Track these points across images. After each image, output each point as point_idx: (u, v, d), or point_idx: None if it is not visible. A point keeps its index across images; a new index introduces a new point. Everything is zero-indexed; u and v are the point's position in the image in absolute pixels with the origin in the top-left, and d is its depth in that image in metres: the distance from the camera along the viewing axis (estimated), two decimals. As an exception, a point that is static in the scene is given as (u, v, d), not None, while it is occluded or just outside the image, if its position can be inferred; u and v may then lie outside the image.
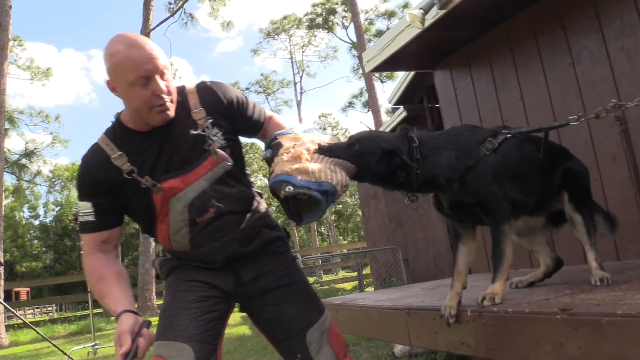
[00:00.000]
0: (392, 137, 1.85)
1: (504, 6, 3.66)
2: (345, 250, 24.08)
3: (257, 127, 1.91)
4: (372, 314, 2.76)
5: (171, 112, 1.68)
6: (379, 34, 30.69)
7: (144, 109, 1.62)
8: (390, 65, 4.57)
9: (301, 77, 41.58)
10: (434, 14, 3.53)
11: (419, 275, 8.85)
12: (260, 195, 1.95)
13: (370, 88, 21.72)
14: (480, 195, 1.87)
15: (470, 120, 4.35)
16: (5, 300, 9.22)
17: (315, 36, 39.05)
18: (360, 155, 1.74)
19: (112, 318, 12.41)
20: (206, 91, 1.79)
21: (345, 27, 34.27)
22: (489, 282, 1.94)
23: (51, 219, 45.31)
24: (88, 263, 1.73)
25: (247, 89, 44.80)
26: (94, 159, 1.70)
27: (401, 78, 9.43)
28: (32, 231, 45.59)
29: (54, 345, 6.13)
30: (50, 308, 27.77)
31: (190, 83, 1.84)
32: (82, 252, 1.81)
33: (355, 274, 13.97)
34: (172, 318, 1.71)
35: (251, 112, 1.87)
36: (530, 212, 2.17)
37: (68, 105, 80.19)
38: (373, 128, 17.33)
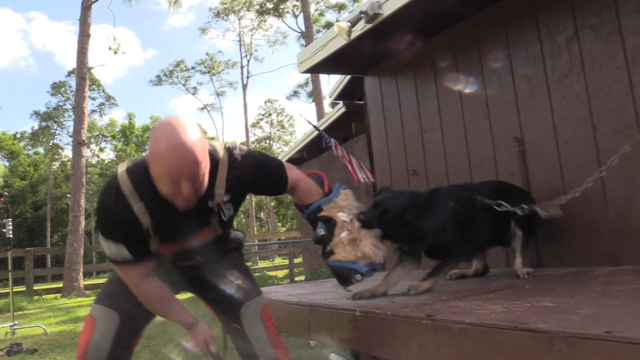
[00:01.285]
0: (404, 202, 2.44)
1: (427, 24, 3.91)
2: (283, 238, 24.30)
3: (280, 191, 2.11)
4: (280, 308, 2.95)
5: (193, 203, 1.76)
6: (328, 25, 30.86)
7: (169, 196, 1.72)
8: (322, 68, 4.75)
9: (249, 60, 41.21)
10: (362, 26, 3.72)
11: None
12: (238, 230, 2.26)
13: (315, 79, 21.91)
14: (441, 245, 2.54)
15: (392, 128, 4.60)
16: None
17: (265, 21, 38.75)
18: (385, 222, 2.26)
19: (36, 297, 12.00)
20: (235, 168, 1.91)
21: (296, 16, 34.19)
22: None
23: (-24, 189, 43.02)
24: (144, 291, 1.87)
25: (192, 68, 43.98)
26: (119, 210, 1.76)
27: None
28: (-47, 201, 43.13)
29: (-32, 325, 5.99)
30: (-31, 283, 26.48)
31: (222, 150, 1.91)
32: (133, 285, 1.88)
33: (291, 262, 14.27)
34: (116, 289, 1.94)
35: (274, 180, 2.05)
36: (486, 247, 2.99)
37: (2, 69, 75.96)
38: (315, 120, 17.48)
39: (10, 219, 6.82)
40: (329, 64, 4.63)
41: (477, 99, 3.75)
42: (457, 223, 2.54)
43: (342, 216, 2.03)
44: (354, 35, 3.75)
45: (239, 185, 1.93)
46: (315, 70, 4.81)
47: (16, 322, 6.73)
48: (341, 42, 4.17)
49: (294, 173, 2.08)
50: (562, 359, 1.33)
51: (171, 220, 1.81)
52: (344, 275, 2.06)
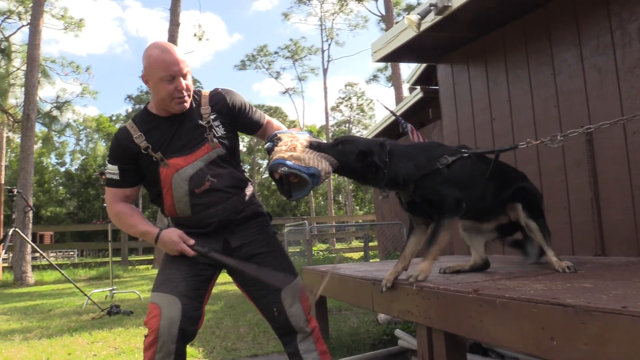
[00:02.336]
0: (369, 141, 2.30)
1: (498, 14, 3.97)
2: (360, 221, 24.56)
3: (257, 126, 2.42)
4: (348, 283, 3.21)
5: (187, 105, 2.23)
6: (409, 8, 30.44)
7: (167, 99, 2.17)
8: (395, 57, 4.91)
9: (329, 45, 41.48)
10: (432, 18, 3.85)
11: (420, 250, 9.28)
12: (250, 182, 2.44)
13: (394, 64, 21.79)
14: (428, 195, 2.31)
15: (463, 115, 4.70)
16: (32, 242, 9.94)
17: (346, 5, 38.79)
18: (342, 153, 2.22)
19: (130, 267, 13.13)
20: (215, 95, 2.32)
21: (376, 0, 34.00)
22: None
23: (77, 167, 46.63)
24: (116, 207, 2.27)
25: (275, 52, 44.89)
26: (122, 136, 2.24)
27: (419, 60, 9.64)
28: (57, 177, 47.01)
29: (76, 287, 6.76)
30: (72, 253, 29.00)
31: (206, 89, 2.40)
32: (105, 204, 2.36)
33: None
34: (167, 276, 2.20)
35: (251, 115, 2.39)
36: (479, 218, 2.64)
37: (100, 54, 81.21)
38: (394, 105, 17.51)
39: (110, 195, 7.52)
40: (402, 53, 4.78)
41: (546, 87, 3.79)
42: (447, 177, 2.30)
43: (288, 138, 2.14)
44: (424, 26, 3.89)
45: (221, 106, 2.28)
46: (389, 59, 4.98)
47: (115, 287, 7.50)
48: (412, 32, 4.32)
49: (269, 118, 2.48)
50: (585, 329, 1.49)
51: (169, 136, 2.20)
52: (272, 172, 2.07)
